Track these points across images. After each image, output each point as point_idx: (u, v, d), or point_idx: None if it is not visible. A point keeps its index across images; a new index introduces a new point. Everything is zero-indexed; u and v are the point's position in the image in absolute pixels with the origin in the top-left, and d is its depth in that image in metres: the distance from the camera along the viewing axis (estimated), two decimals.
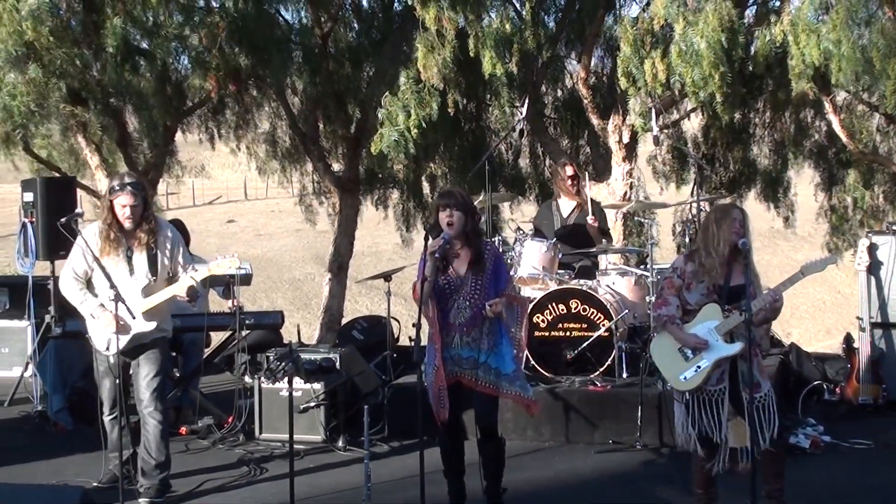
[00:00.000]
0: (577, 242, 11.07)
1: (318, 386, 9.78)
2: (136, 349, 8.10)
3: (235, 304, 10.69)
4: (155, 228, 8.09)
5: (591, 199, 11.24)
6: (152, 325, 8.06)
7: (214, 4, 14.34)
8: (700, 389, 7.05)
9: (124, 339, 7.95)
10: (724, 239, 7.02)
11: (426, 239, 7.43)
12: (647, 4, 12.63)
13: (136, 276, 8.03)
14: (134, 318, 7.87)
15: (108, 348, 8.03)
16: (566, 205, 11.25)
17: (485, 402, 7.53)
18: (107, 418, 8.35)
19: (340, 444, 9.64)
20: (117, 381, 7.91)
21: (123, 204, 7.92)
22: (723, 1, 11.45)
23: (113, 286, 7.71)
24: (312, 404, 9.70)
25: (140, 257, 8.04)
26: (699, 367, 7.01)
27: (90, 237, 8.05)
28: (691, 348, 7.05)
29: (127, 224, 7.96)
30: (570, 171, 11.31)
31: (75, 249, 8.11)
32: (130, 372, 8.24)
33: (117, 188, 7.95)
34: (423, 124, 12.43)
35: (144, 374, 8.12)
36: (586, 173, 11.47)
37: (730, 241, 7.03)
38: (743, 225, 7.07)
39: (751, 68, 13.01)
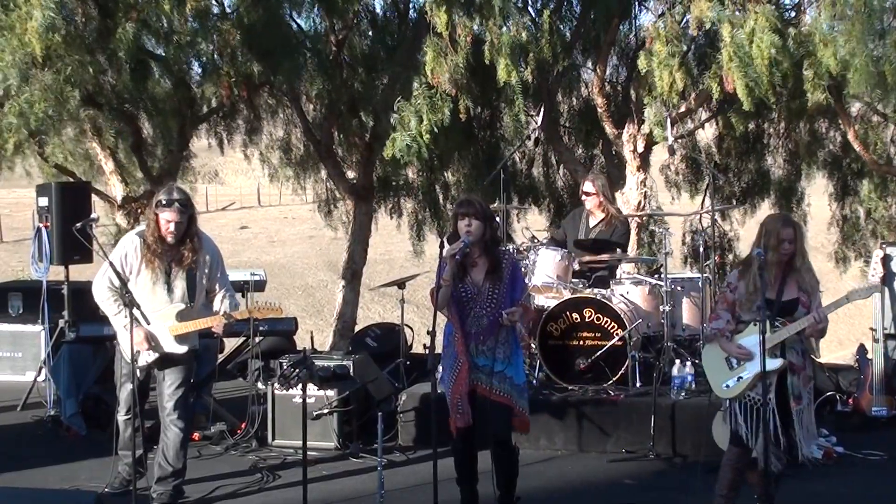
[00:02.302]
0: (596, 254, 11.03)
1: (331, 393, 9.79)
2: (164, 362, 8.15)
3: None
4: (198, 247, 8.09)
5: (615, 214, 11.25)
6: (184, 349, 8.13)
7: (228, 10, 14.38)
8: (743, 395, 7.17)
9: (152, 356, 8.05)
10: (772, 262, 7.07)
11: (441, 246, 7.42)
12: (672, 6, 12.56)
13: (174, 299, 8.06)
14: (149, 323, 7.89)
15: (135, 359, 8.01)
16: (595, 216, 11.22)
17: (499, 411, 7.50)
18: (121, 418, 8.38)
19: (353, 451, 9.64)
20: (132, 386, 7.94)
21: (168, 220, 7.90)
22: (766, 3, 11.43)
23: (128, 291, 7.72)
24: (325, 411, 9.71)
25: (179, 280, 8.06)
26: (741, 377, 7.18)
27: (128, 248, 8.06)
28: (735, 358, 7.17)
29: (169, 239, 7.95)
30: (585, 187, 11.28)
31: (113, 258, 8.03)
32: (154, 376, 8.27)
33: (164, 203, 7.92)
34: (435, 129, 12.43)
35: (170, 383, 8.16)
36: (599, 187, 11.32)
37: (779, 261, 7.08)
38: (793, 242, 7.09)
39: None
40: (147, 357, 8.04)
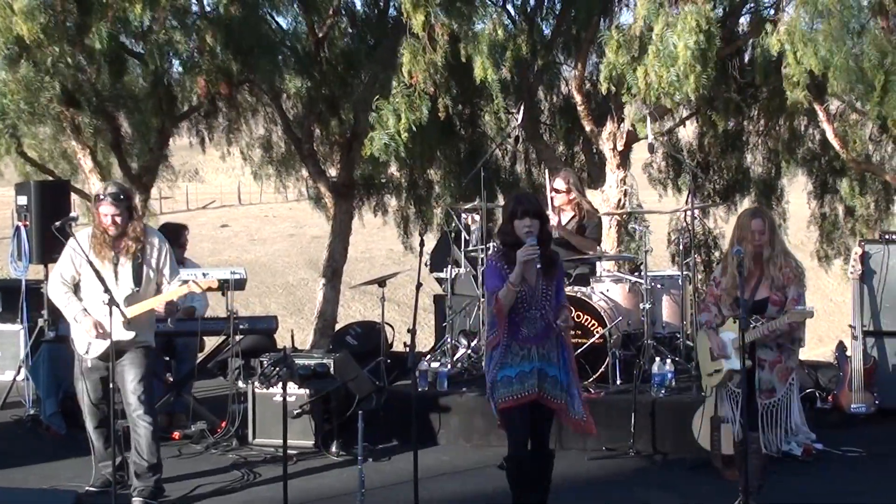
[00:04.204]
0: (570, 251, 11.03)
1: (311, 391, 9.78)
2: (117, 354, 8.09)
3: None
4: (141, 237, 8.17)
5: (589, 210, 11.25)
6: (131, 335, 8.09)
7: (207, 8, 14.35)
8: (723, 384, 7.58)
9: (103, 345, 8.01)
10: (748, 255, 7.15)
11: (421, 244, 7.34)
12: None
13: (121, 285, 8.11)
14: (129, 321, 7.90)
15: (87, 352, 8.12)
16: (567, 213, 11.21)
17: (546, 415, 7.27)
18: (91, 432, 8.39)
19: (334, 449, 9.63)
20: (110, 385, 7.91)
21: (105, 213, 8.07)
22: (703, 3, 11.40)
23: (107, 290, 7.73)
24: (306, 409, 9.69)
25: (125, 267, 8.14)
26: (718, 370, 7.60)
27: (83, 241, 8.13)
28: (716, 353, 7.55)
29: (110, 231, 8.07)
30: (555, 183, 11.23)
31: (65, 254, 8.23)
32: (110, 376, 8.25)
33: (101, 196, 8.11)
34: (413, 128, 12.42)
35: (130, 378, 8.15)
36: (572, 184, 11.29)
37: (754, 255, 7.16)
38: (765, 232, 7.15)
39: (752, 77, 13.01)
40: (98, 347, 8.03)
